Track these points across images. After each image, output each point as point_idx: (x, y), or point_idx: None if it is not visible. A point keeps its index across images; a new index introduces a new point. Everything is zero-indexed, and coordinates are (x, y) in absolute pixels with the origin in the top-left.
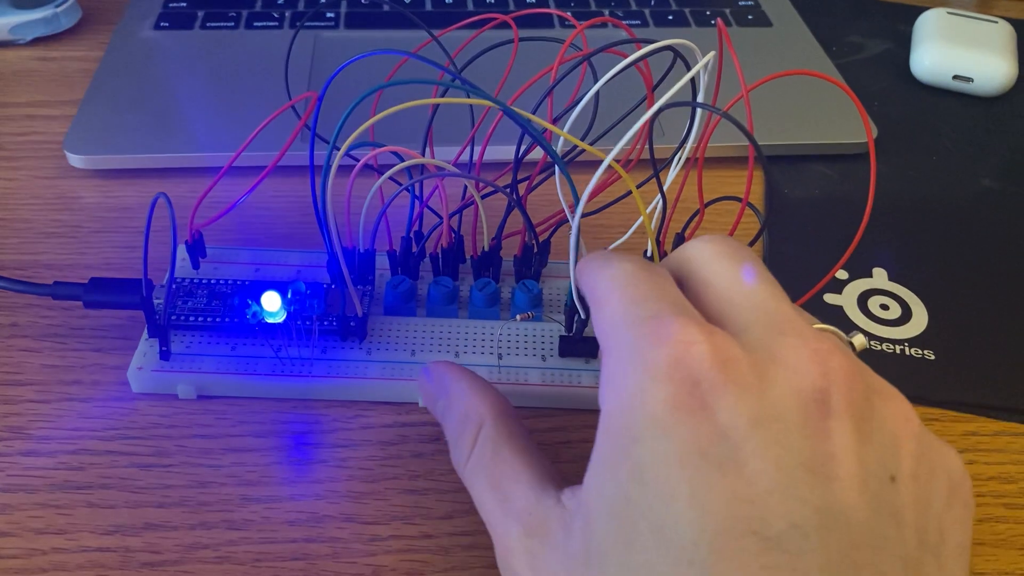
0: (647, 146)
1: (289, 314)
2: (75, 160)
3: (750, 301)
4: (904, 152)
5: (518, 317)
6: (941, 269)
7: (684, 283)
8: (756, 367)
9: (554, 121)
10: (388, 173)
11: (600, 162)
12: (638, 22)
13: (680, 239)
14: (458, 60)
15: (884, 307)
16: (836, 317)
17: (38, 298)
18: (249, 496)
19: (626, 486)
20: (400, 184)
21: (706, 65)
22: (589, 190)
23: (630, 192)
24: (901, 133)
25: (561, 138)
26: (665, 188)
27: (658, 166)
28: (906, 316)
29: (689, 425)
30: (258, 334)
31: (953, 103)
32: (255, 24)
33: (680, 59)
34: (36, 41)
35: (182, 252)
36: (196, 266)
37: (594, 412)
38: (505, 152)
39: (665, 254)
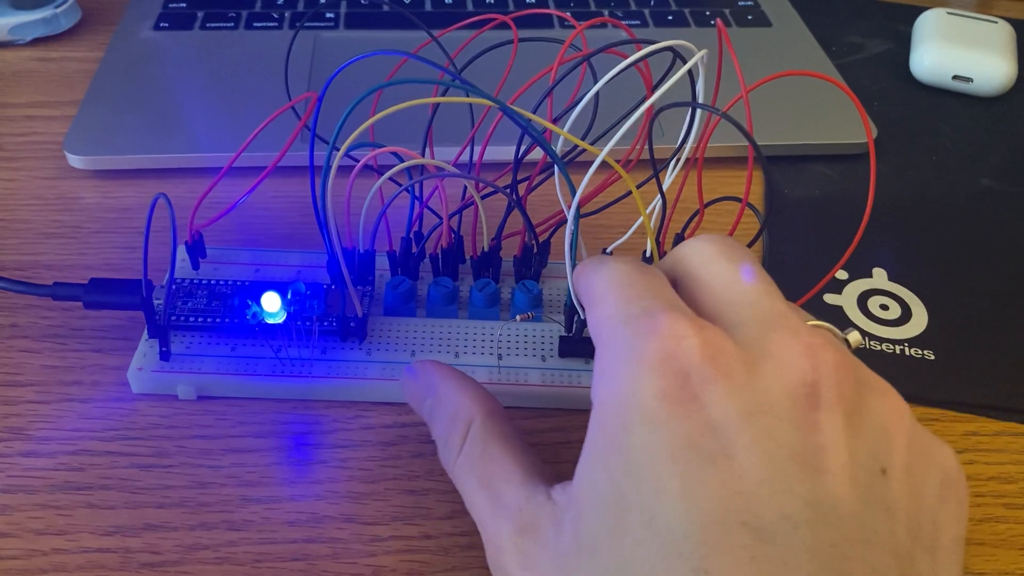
0: (647, 146)
1: (289, 315)
2: (75, 161)
3: (744, 299)
4: (904, 152)
5: (518, 317)
6: (941, 269)
7: (679, 283)
8: (747, 361)
9: (554, 121)
10: (388, 174)
11: (601, 164)
12: (637, 22)
13: (680, 239)
14: (458, 61)
15: (884, 307)
16: (836, 317)
17: (38, 299)
18: (249, 497)
19: (617, 479)
20: (400, 184)
21: (701, 60)
22: (582, 188)
23: (630, 192)
24: (901, 133)
25: (561, 138)
26: (665, 188)
27: (658, 166)
28: (906, 316)
29: (680, 418)
30: (258, 335)
31: (953, 103)
32: (255, 24)
33: (680, 60)
34: (36, 41)
35: (182, 253)
36: (196, 267)
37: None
38: (505, 152)
39: (665, 254)
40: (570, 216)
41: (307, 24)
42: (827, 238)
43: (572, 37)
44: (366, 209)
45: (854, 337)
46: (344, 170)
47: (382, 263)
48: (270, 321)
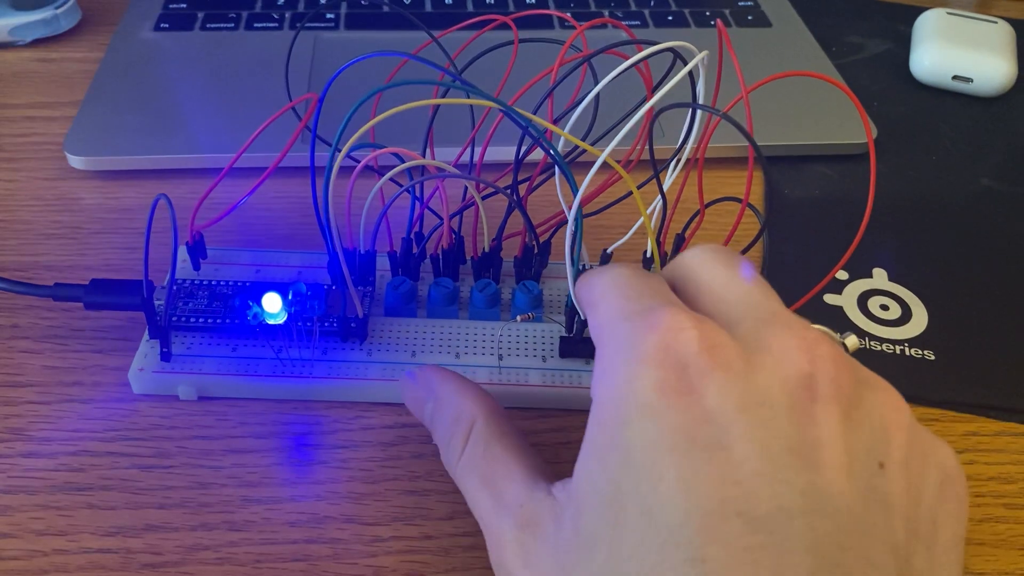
0: (647, 147)
1: (290, 315)
2: (75, 161)
3: (742, 298)
4: (904, 152)
5: (518, 318)
6: (941, 269)
7: (678, 286)
8: (745, 354)
9: (555, 122)
10: (389, 174)
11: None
12: (638, 23)
13: (680, 240)
14: (458, 61)
15: (884, 307)
16: (836, 317)
17: (39, 299)
18: (250, 497)
19: (614, 471)
20: (401, 185)
21: (702, 62)
22: (583, 187)
23: (630, 193)
24: (901, 133)
25: (561, 139)
26: (665, 189)
27: (658, 167)
28: (906, 316)
29: (677, 408)
30: (259, 335)
31: (953, 103)
32: (255, 25)
33: (680, 60)
34: (36, 42)
35: (183, 253)
36: (197, 267)
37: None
38: (505, 153)
39: (665, 255)
40: (571, 216)
41: (307, 25)
42: (827, 238)
43: (572, 38)
44: (367, 210)
45: (851, 341)
46: (345, 171)
47: (383, 264)
48: (271, 322)
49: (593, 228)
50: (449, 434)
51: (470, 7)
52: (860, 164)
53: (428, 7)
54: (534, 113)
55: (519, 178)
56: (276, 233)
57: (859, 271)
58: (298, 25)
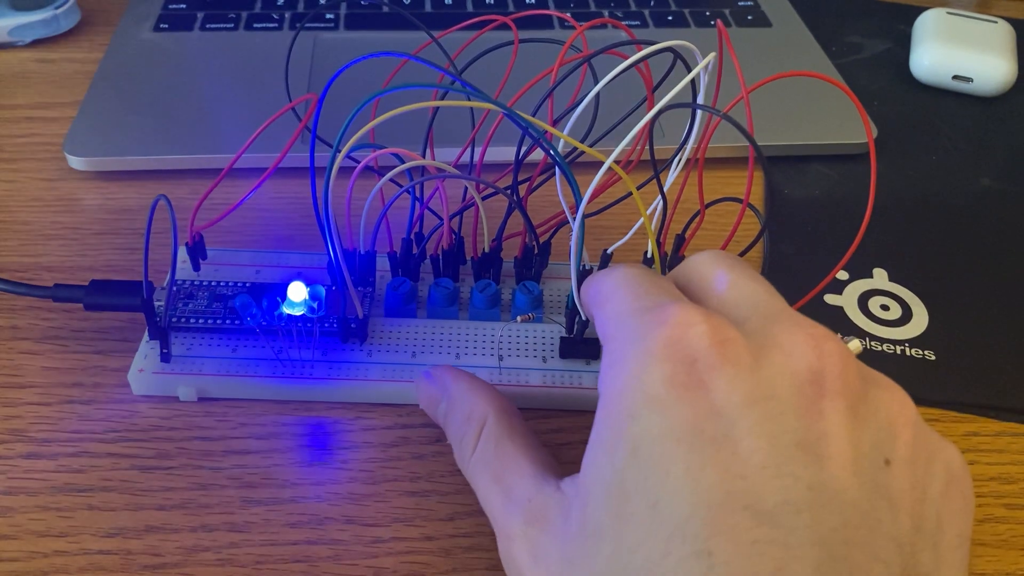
0: (647, 147)
1: (290, 316)
2: (75, 162)
3: (748, 298)
4: (904, 152)
5: (519, 318)
6: (941, 269)
7: (684, 289)
8: (753, 349)
9: (554, 122)
10: (389, 175)
11: (600, 164)
12: (637, 23)
13: (680, 240)
14: (458, 62)
15: (884, 308)
16: (837, 318)
17: (39, 300)
18: (250, 498)
19: (621, 464)
20: (400, 186)
21: (707, 66)
22: (590, 191)
23: (631, 193)
24: (901, 133)
25: (561, 139)
26: (665, 189)
27: (658, 167)
28: (906, 316)
29: (685, 402)
30: (259, 336)
31: (953, 103)
32: (255, 25)
33: (680, 60)
34: (36, 43)
35: (183, 254)
36: (197, 268)
37: (595, 413)
38: (506, 153)
39: (665, 255)
40: (575, 224)
41: (307, 25)
42: (827, 238)
43: (572, 38)
44: (367, 210)
45: (854, 345)
46: (345, 171)
47: (383, 264)
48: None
49: (593, 228)
50: (461, 432)
51: (470, 7)
52: (860, 164)
53: (428, 7)
54: (534, 113)
55: (519, 178)
56: (276, 234)
57: (859, 271)
58: (298, 25)
